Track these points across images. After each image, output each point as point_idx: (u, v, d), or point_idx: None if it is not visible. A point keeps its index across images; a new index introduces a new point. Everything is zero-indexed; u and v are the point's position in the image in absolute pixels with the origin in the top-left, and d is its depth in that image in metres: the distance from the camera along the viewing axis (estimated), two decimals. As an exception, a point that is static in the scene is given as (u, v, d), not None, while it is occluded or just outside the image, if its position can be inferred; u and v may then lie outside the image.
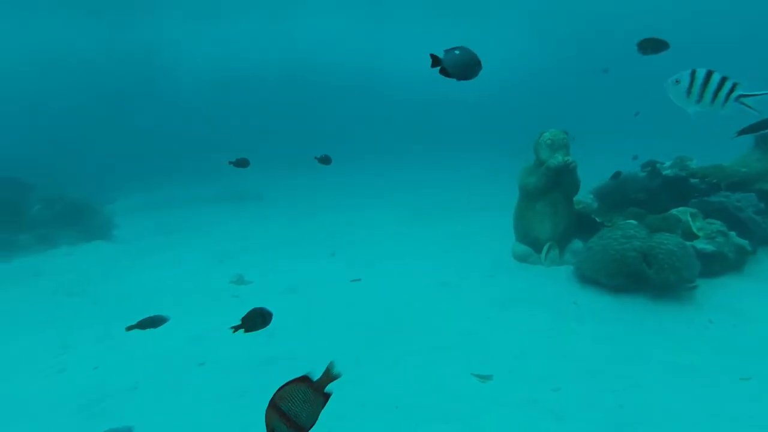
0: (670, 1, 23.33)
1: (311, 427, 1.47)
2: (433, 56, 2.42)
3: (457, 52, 2.44)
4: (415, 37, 28.13)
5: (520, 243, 6.04)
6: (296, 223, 8.95)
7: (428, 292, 5.15)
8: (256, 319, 2.69)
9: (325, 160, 4.96)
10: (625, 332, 4.02)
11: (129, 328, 3.11)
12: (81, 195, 9.39)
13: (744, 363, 3.45)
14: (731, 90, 2.62)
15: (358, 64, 32.51)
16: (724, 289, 4.72)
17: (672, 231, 5.00)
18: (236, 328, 2.66)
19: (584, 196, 6.36)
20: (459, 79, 2.48)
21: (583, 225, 5.90)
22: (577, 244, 5.75)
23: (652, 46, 3.41)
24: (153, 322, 3.16)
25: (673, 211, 5.35)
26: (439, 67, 2.44)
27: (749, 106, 2.66)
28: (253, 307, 2.74)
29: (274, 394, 1.42)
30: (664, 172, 6.02)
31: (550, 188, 5.76)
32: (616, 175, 6.38)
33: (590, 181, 6.39)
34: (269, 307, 2.78)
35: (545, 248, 5.76)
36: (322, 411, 1.53)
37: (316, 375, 1.55)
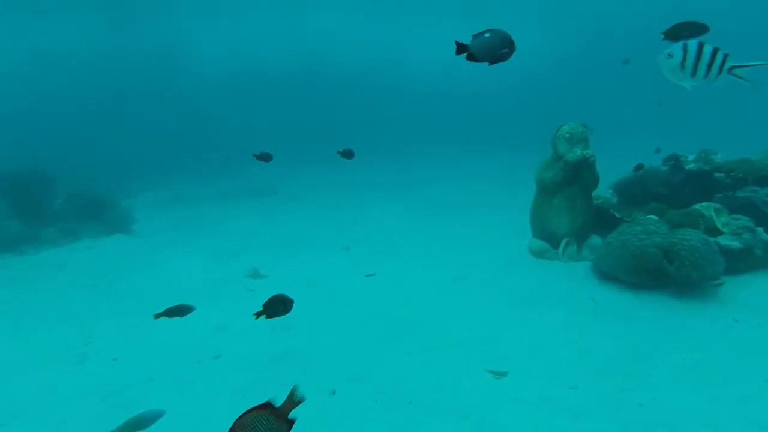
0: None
1: None
2: (457, 43, 2.35)
3: (487, 35, 2.35)
4: (428, 31, 27.92)
5: (536, 238, 5.95)
6: (310, 217, 8.98)
7: (443, 287, 5.11)
8: (277, 306, 2.71)
9: (347, 154, 4.95)
10: (645, 330, 3.92)
11: (157, 316, 3.19)
12: (102, 190, 9.61)
13: (770, 363, 3.34)
14: (723, 61, 2.54)
15: (372, 60, 32.43)
16: (750, 287, 4.56)
17: (694, 227, 4.86)
18: (258, 314, 2.69)
19: (603, 191, 6.22)
20: (490, 63, 2.39)
21: (601, 220, 5.77)
22: (595, 239, 5.63)
23: (689, 30, 3.17)
24: (180, 311, 3.23)
25: (696, 207, 5.19)
26: (465, 54, 2.35)
27: (741, 77, 2.57)
28: (274, 294, 2.76)
29: (235, 423, 1.38)
30: (687, 167, 5.85)
31: (568, 183, 5.65)
32: (639, 167, 6.21)
33: (609, 175, 6.25)
34: (281, 307, 2.79)
35: (562, 244, 5.66)
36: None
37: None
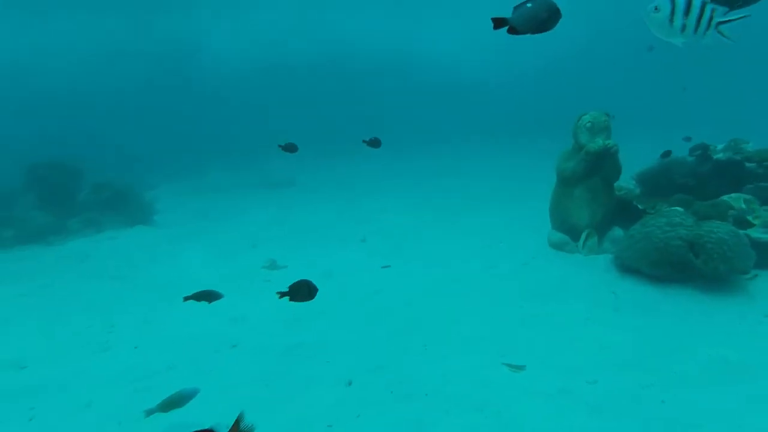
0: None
1: None
2: (494, 19, 2.27)
3: (529, 5, 2.26)
4: (451, 21, 27.47)
5: (556, 231, 5.83)
6: (328, 209, 9.00)
7: (460, 279, 5.06)
8: (302, 290, 2.75)
9: (374, 143, 4.90)
10: (668, 324, 3.81)
11: (186, 298, 3.26)
12: (125, 181, 9.81)
13: (802, 361, 3.21)
14: (711, 16, 2.35)
15: (390, 51, 32.14)
16: (782, 281, 4.39)
17: (722, 219, 4.68)
18: (282, 294, 2.72)
19: (626, 182, 6.04)
20: (534, 33, 2.30)
21: (624, 212, 5.62)
22: (617, 232, 5.48)
23: None
24: (208, 296, 3.31)
25: (725, 198, 5.00)
26: (507, 27, 2.26)
27: (725, 35, 2.38)
28: (301, 279, 2.79)
29: None
30: (716, 156, 5.63)
31: (590, 173, 5.51)
32: (666, 153, 6.00)
33: (632, 165, 6.06)
34: (306, 291, 2.81)
35: (583, 236, 5.54)
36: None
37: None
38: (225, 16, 25.74)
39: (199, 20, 25.38)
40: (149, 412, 2.76)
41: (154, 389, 3.40)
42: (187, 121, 21.08)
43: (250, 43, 29.56)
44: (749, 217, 4.73)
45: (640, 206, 5.52)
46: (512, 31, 2.28)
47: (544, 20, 2.26)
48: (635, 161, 6.16)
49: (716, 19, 2.36)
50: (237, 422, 1.39)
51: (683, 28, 2.39)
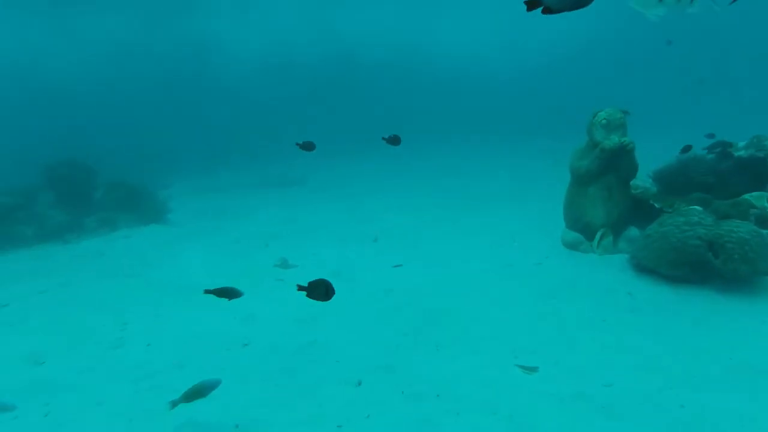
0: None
1: None
2: (527, 1, 2.21)
3: None
4: (459, 17, 27.25)
5: (570, 230, 5.74)
6: (339, 208, 8.99)
7: (472, 279, 5.00)
8: (320, 289, 2.75)
9: (393, 140, 4.86)
10: (687, 326, 3.71)
11: (207, 291, 3.29)
12: (139, 180, 9.93)
13: (829, 365, 3.09)
14: None
15: (402, 49, 32.02)
16: (806, 282, 4.25)
17: (744, 218, 4.55)
18: (300, 288, 2.72)
19: (642, 180, 5.91)
20: (570, 10, 2.23)
21: (640, 211, 5.49)
22: (633, 231, 5.37)
23: None
24: (228, 293, 3.32)
25: (746, 196, 4.86)
26: (541, 8, 2.20)
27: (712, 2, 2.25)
28: (321, 278, 2.78)
29: None
30: (737, 153, 5.47)
31: (605, 171, 5.40)
32: (687, 148, 5.84)
33: (649, 163, 5.92)
34: (323, 290, 2.80)
35: (598, 235, 5.43)
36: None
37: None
38: (238, 14, 25.92)
39: (214, 19, 25.60)
40: (174, 404, 2.85)
41: (166, 387, 3.42)
42: (200, 120, 21.29)
43: (263, 41, 29.74)
44: (772, 216, 4.58)
45: (657, 205, 5.39)
46: (547, 10, 2.20)
47: None
48: (652, 159, 6.02)
49: None
50: None
51: None
